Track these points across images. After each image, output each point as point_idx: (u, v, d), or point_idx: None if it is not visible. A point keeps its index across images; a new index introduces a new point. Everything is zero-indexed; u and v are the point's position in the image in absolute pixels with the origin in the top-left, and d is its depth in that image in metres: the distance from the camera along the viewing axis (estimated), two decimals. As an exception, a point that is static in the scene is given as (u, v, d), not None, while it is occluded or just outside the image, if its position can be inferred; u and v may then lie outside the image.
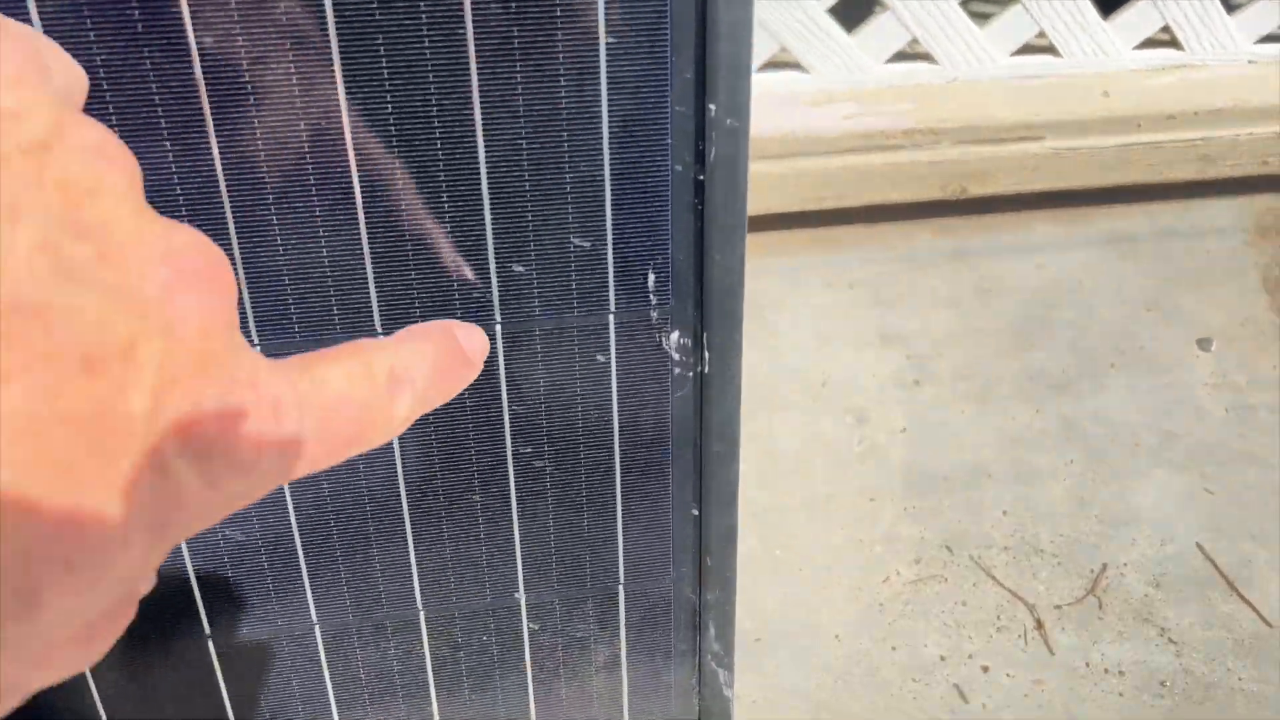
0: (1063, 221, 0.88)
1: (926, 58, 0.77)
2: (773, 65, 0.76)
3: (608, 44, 0.30)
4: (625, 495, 0.39)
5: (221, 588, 0.37)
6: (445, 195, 0.32)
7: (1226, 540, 0.67)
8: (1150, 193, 0.89)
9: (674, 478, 0.39)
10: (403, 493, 0.37)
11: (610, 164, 0.32)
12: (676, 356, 0.36)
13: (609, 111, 0.31)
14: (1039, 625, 0.62)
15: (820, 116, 0.74)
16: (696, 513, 0.40)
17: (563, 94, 0.31)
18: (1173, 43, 0.81)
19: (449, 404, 0.31)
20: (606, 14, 0.30)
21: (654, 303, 0.35)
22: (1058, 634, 0.62)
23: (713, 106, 0.32)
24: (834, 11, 0.74)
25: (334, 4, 0.28)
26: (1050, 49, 0.80)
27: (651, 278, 0.34)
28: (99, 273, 0.18)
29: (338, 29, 0.28)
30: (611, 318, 0.34)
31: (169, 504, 0.20)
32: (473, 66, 0.30)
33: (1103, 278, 0.84)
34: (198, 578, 0.36)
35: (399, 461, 0.36)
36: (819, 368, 0.77)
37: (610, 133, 0.31)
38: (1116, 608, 0.63)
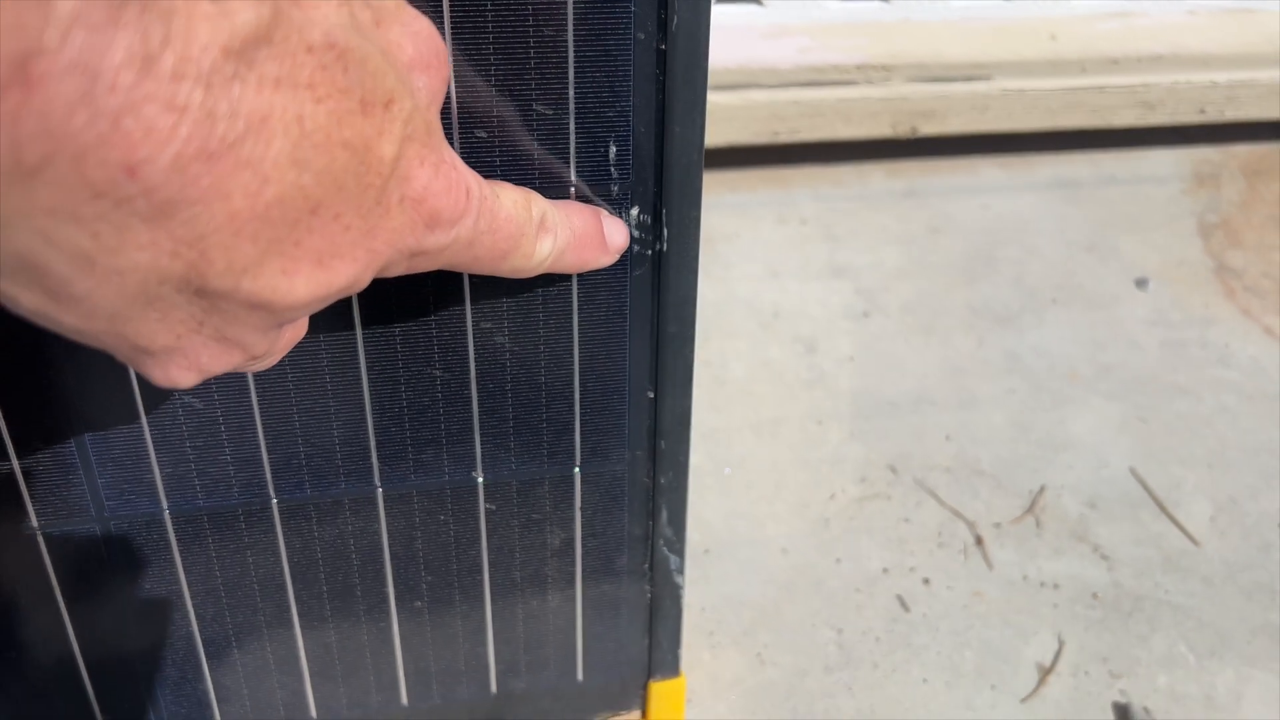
0: (1009, 166, 0.90)
1: (880, -5, 0.78)
2: (729, -3, 0.77)
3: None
4: (582, 374, 0.39)
5: (179, 458, 0.37)
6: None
7: (1158, 465, 0.70)
8: (1093, 140, 0.91)
9: (630, 358, 0.39)
10: (362, 365, 0.37)
11: (574, 28, 0.32)
12: (636, 234, 0.37)
13: (574, -28, 0.31)
14: (979, 541, 0.64)
15: (774, 49, 0.75)
16: (651, 395, 0.41)
17: (528, -47, 0.31)
18: (1118, -11, 0.83)
19: (410, 275, 0.31)
20: None
21: (614, 176, 0.35)
22: (997, 550, 0.64)
23: (675, -27, 0.32)
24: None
25: None
26: (1000, -9, 0.81)
27: (613, 149, 0.35)
28: (375, 35, 0.22)
29: None
30: (572, 190, 0.35)
31: (383, 241, 0.23)
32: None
33: (1046, 220, 0.87)
34: (154, 444, 0.36)
35: (359, 333, 0.36)
36: (769, 299, 0.78)
37: (575, -5, 0.32)
38: (1053, 526, 0.65)
